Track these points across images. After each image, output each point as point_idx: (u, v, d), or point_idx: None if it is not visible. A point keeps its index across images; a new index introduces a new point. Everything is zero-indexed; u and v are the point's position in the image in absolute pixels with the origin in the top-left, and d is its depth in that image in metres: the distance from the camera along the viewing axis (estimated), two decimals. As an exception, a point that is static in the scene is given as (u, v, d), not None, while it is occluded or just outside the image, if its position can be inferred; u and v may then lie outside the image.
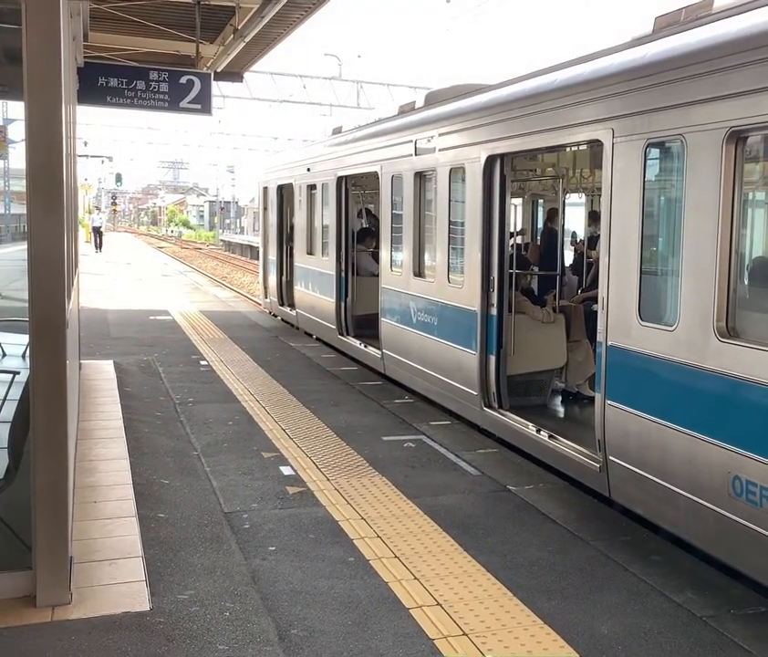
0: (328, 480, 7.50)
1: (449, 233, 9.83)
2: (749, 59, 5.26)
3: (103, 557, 5.53)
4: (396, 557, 5.88)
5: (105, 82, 13.57)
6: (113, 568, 5.39)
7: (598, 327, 6.87)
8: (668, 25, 6.57)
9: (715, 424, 5.53)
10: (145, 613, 4.84)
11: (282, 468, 7.79)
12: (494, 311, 8.75)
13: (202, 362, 13.14)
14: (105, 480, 7.04)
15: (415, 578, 5.53)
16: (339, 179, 14.05)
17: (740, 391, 5.34)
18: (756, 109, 5.21)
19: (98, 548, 5.65)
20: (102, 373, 11.57)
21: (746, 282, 5.76)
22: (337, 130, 15.59)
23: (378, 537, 6.24)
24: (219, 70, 17.22)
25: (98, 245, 46.03)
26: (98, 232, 47.34)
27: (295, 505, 6.86)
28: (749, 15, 5.50)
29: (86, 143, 56.78)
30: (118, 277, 29.12)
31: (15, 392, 6.11)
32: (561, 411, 9.45)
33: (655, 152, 6.37)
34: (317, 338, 15.95)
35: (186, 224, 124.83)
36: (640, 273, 6.34)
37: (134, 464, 7.50)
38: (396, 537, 6.24)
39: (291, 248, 17.65)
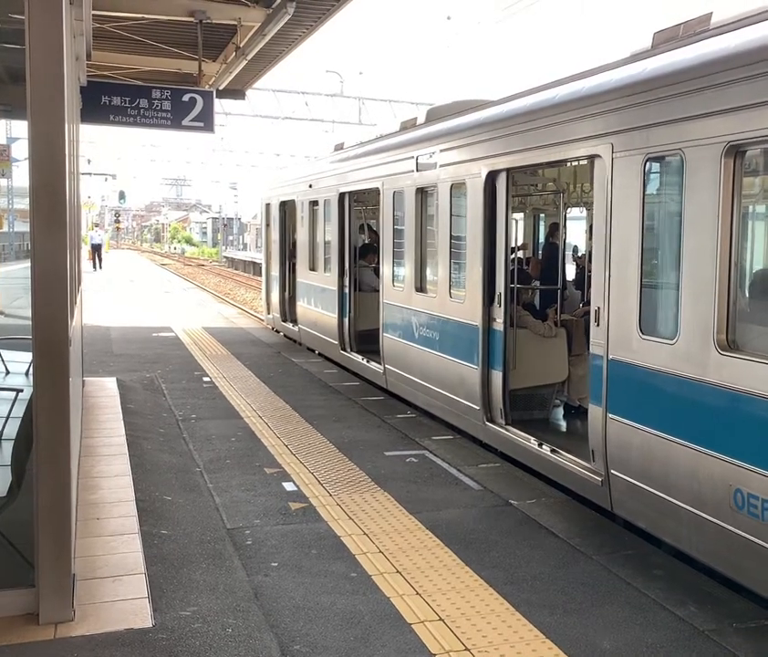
0: (331, 495, 7.50)
1: (450, 248, 9.86)
2: (747, 74, 5.29)
3: (106, 573, 5.54)
4: (398, 572, 5.88)
5: (108, 101, 13.62)
6: (116, 584, 5.40)
7: (595, 339, 6.88)
8: (666, 40, 6.61)
9: (716, 437, 5.53)
10: (147, 630, 4.84)
11: (284, 484, 7.80)
12: (496, 326, 8.77)
13: (205, 379, 13.17)
14: (108, 497, 7.05)
15: (417, 594, 5.53)
16: (341, 195, 14.10)
17: (741, 403, 5.35)
18: (754, 124, 5.23)
19: (100, 565, 5.66)
20: (105, 390, 11.59)
21: (746, 295, 5.78)
22: (339, 147, 15.65)
23: (381, 552, 6.24)
24: (221, 88, 17.32)
25: (99, 264, 43.70)
26: (97, 250, 44.60)
27: (297, 521, 6.86)
28: (747, 30, 5.53)
29: (89, 161, 57.07)
30: (121, 294, 29.18)
31: (19, 410, 6.14)
32: (563, 425, 9.45)
33: (654, 167, 6.39)
34: (320, 354, 15.97)
35: (189, 241, 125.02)
36: (641, 287, 6.35)
37: (137, 481, 7.52)
38: (398, 552, 6.25)
39: (293, 264, 17.70)
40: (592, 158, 7.00)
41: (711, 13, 6.24)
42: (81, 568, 5.50)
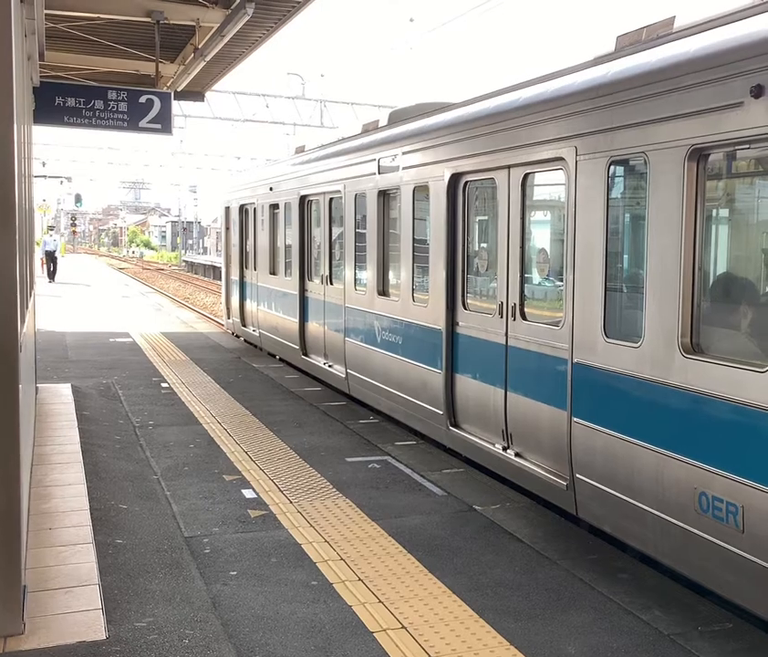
0: (291, 503, 7.37)
1: (413, 251, 9.79)
2: (709, 78, 5.29)
3: (58, 585, 5.37)
4: (360, 579, 5.78)
5: (62, 102, 13.34)
6: (68, 596, 5.24)
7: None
8: (629, 43, 6.60)
9: (681, 440, 5.52)
10: (101, 642, 4.69)
11: (244, 491, 7.66)
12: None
13: (163, 385, 12.94)
14: (61, 506, 6.85)
15: (379, 602, 5.43)
16: (302, 198, 13.98)
17: (704, 406, 5.34)
18: (716, 127, 5.24)
19: (52, 576, 5.49)
20: (59, 397, 11.32)
21: (710, 298, 5.77)
22: (300, 150, 15.52)
23: (342, 559, 6.13)
24: (180, 89, 17.08)
25: (52, 274, 37.38)
26: (51, 257, 37.74)
27: (257, 529, 6.73)
28: (709, 34, 5.53)
29: (44, 164, 56.07)
30: (77, 299, 28.71)
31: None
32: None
33: (618, 170, 6.38)
34: (281, 359, 15.82)
35: (148, 245, 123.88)
36: (605, 290, 6.33)
37: (91, 490, 7.32)
38: (360, 559, 6.14)
39: (254, 268, 17.52)
40: (555, 160, 6.96)
41: (674, 16, 6.24)
42: (32, 580, 5.33)
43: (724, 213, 5.95)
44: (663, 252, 5.68)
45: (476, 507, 7.33)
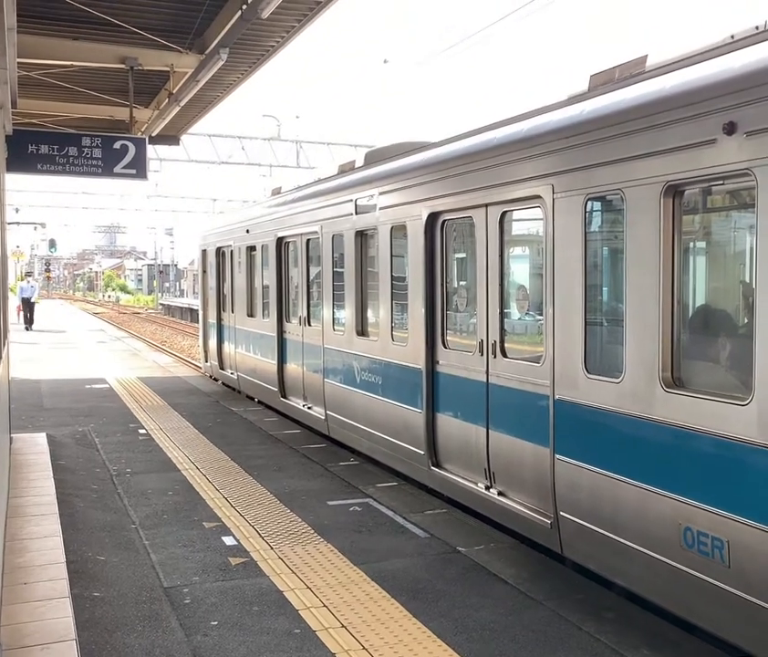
0: (272, 549, 7.26)
1: (392, 290, 9.78)
2: (682, 116, 5.34)
3: (34, 642, 5.21)
4: (343, 626, 5.67)
5: (35, 149, 13.24)
6: (45, 653, 5.09)
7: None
8: (603, 83, 6.66)
9: (664, 475, 5.49)
10: (79, 702, 4.56)
11: (224, 538, 7.53)
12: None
13: (141, 431, 12.78)
14: (36, 560, 6.69)
15: (363, 649, 5.33)
16: (279, 240, 13.96)
17: (687, 440, 5.32)
18: (691, 164, 5.28)
19: (28, 633, 5.33)
20: (34, 447, 11.12)
21: (689, 332, 5.78)
22: (277, 191, 15.53)
23: (325, 606, 6.02)
24: (154, 134, 17.09)
25: (29, 321, 36.44)
26: (28, 304, 36.85)
27: (238, 577, 6.60)
28: (681, 73, 5.59)
29: (17, 210, 55.77)
30: (51, 345, 28.42)
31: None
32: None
33: (595, 206, 6.41)
34: (259, 402, 15.70)
35: (124, 289, 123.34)
36: (585, 326, 6.33)
37: (68, 541, 7.16)
38: (343, 605, 6.04)
39: (231, 311, 17.44)
40: (532, 199, 6.99)
41: (647, 55, 6.30)
42: (7, 637, 5.19)
43: (701, 246, 5.99)
44: (642, 287, 5.69)
45: (460, 549, 7.25)
